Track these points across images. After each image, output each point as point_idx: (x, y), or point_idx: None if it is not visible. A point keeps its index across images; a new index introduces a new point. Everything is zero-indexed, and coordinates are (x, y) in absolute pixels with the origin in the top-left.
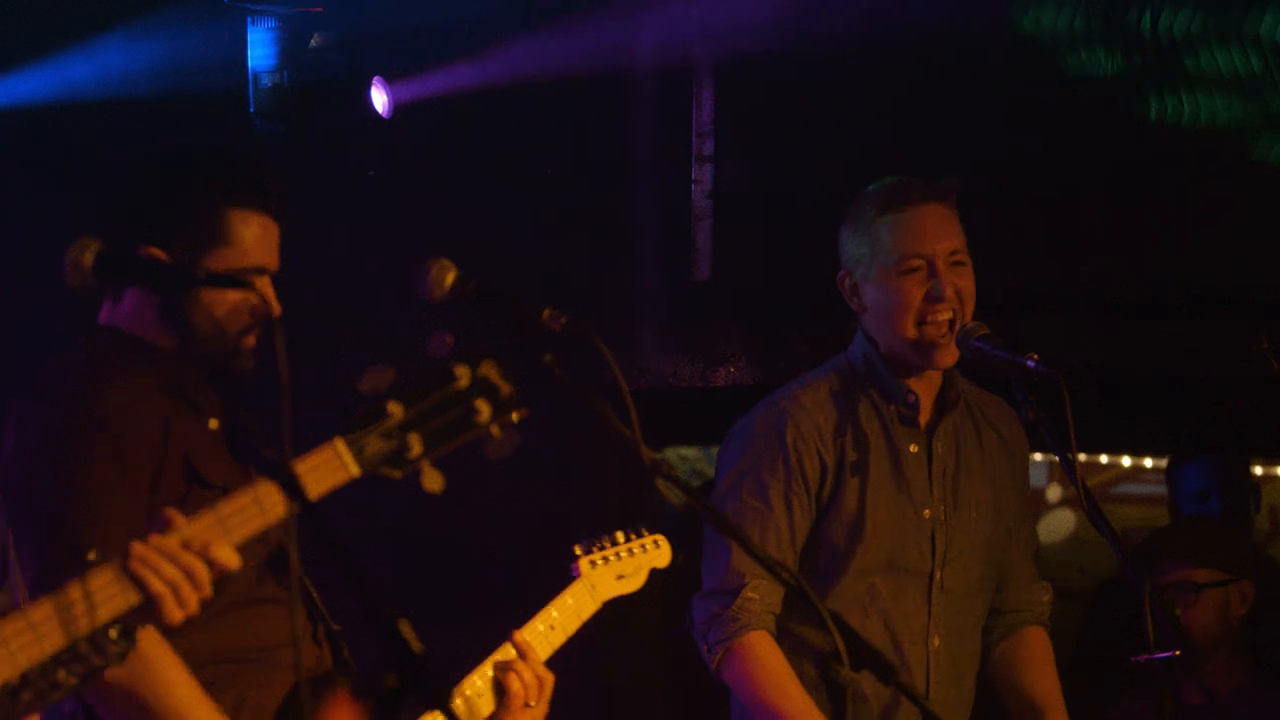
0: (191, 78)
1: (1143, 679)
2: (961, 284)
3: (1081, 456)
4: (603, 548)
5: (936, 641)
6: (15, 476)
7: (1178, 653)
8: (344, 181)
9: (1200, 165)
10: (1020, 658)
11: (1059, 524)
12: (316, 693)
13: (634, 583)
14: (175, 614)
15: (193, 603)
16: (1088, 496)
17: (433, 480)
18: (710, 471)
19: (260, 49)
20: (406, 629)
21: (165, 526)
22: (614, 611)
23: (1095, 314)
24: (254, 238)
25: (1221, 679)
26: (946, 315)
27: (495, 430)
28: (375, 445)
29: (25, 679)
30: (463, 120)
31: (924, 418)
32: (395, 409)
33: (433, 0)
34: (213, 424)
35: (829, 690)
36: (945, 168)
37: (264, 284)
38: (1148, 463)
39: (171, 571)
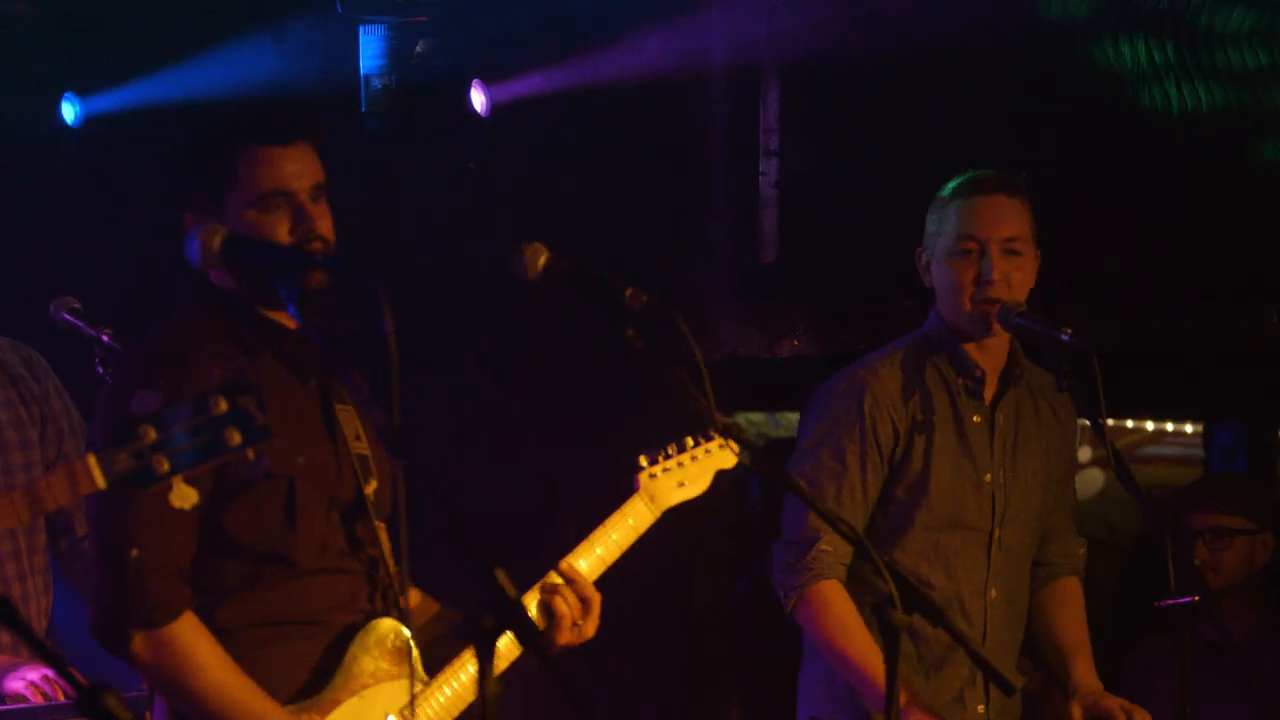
0: (310, 80)
1: (1166, 621)
2: (1012, 270)
3: (1110, 421)
4: (667, 456)
5: (994, 593)
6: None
7: (1196, 598)
8: (445, 173)
9: (1222, 159)
10: (1054, 605)
11: (1089, 482)
12: (360, 638)
13: (697, 487)
14: None
15: None
16: (1116, 457)
17: (180, 496)
18: (774, 434)
19: (371, 54)
20: (502, 576)
21: None
22: (691, 557)
23: (1125, 294)
24: (261, 170)
25: (1239, 620)
26: (995, 295)
27: (250, 455)
28: (124, 463)
29: None
30: (553, 118)
31: (989, 391)
32: (147, 431)
33: (527, 10)
34: (312, 385)
35: (884, 636)
36: (991, 160)
37: (295, 205)
38: (1169, 427)
39: None
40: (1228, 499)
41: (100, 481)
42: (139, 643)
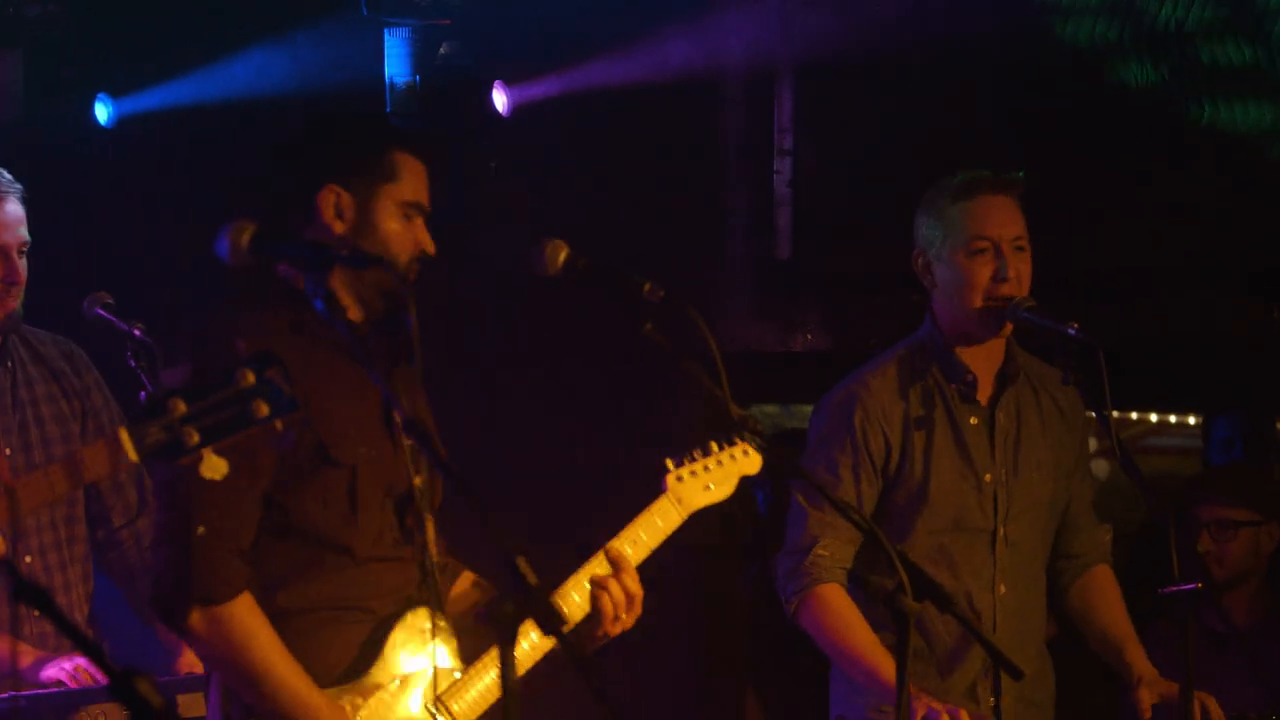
0: (336, 81)
1: (1170, 608)
2: (1021, 267)
3: (1115, 413)
4: (693, 459)
5: (1003, 589)
6: None
7: (1199, 585)
8: (469, 172)
9: (1227, 161)
10: (1093, 595)
11: (1095, 472)
12: (399, 628)
13: (723, 491)
14: None
15: None
16: (1121, 448)
17: (211, 468)
18: (788, 424)
19: (396, 56)
20: (524, 564)
21: None
22: (708, 548)
23: (1129, 288)
24: (417, 179)
25: (1244, 611)
26: (1009, 292)
27: (278, 425)
28: (155, 435)
29: None
30: (573, 118)
31: (985, 392)
32: (176, 404)
33: (548, 14)
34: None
35: (896, 622)
36: (995, 160)
37: (421, 224)
38: (1172, 419)
39: None
40: (1233, 491)
41: (132, 454)
42: (196, 618)
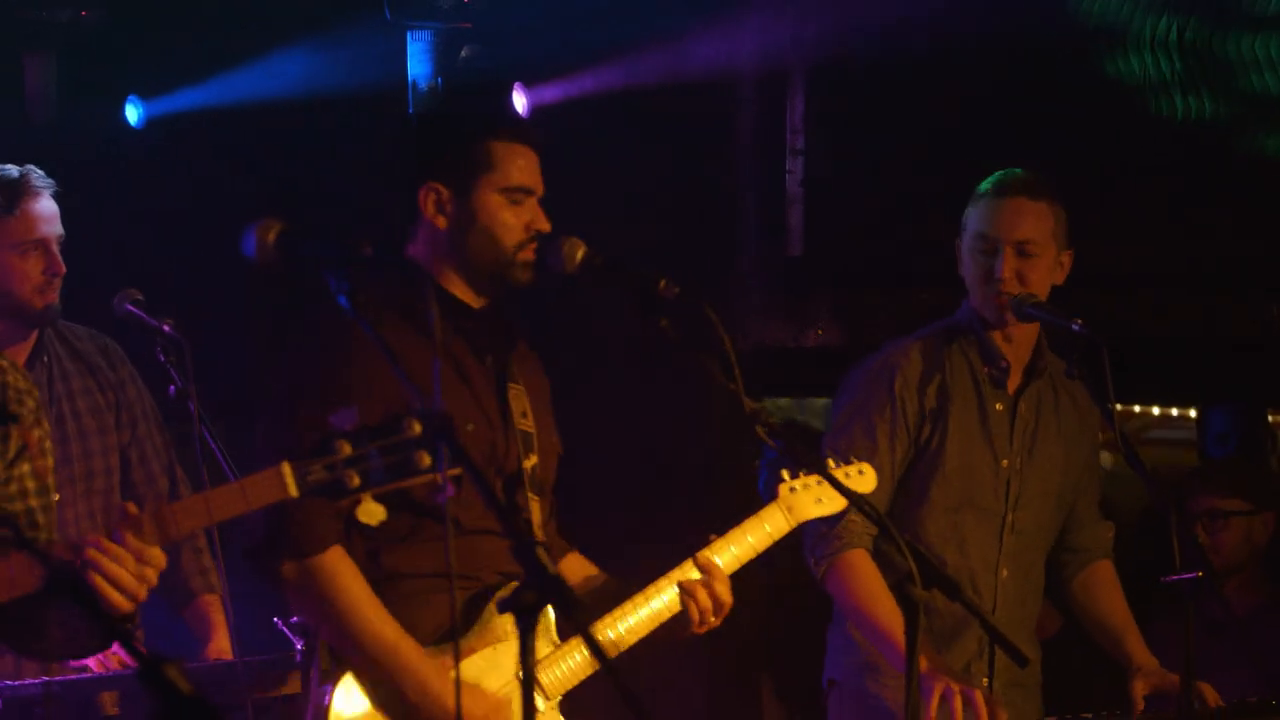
0: (362, 82)
1: (1171, 596)
2: (1027, 270)
3: (1117, 406)
4: (808, 473)
5: (1004, 573)
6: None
7: (1200, 574)
8: None
9: (1225, 161)
10: (1094, 588)
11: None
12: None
13: (833, 506)
14: (121, 604)
15: (139, 593)
16: (1124, 440)
17: (369, 514)
18: (800, 418)
19: (418, 59)
20: (542, 554)
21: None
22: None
23: (1133, 286)
24: (515, 165)
25: (1242, 597)
26: (1001, 290)
27: (438, 479)
28: (317, 474)
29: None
30: (591, 119)
31: (1013, 382)
32: (342, 446)
33: (566, 17)
34: (487, 360)
35: (904, 610)
36: (1000, 158)
37: (531, 204)
38: (1174, 412)
39: (112, 570)
40: (1223, 482)
41: (293, 490)
42: (289, 568)
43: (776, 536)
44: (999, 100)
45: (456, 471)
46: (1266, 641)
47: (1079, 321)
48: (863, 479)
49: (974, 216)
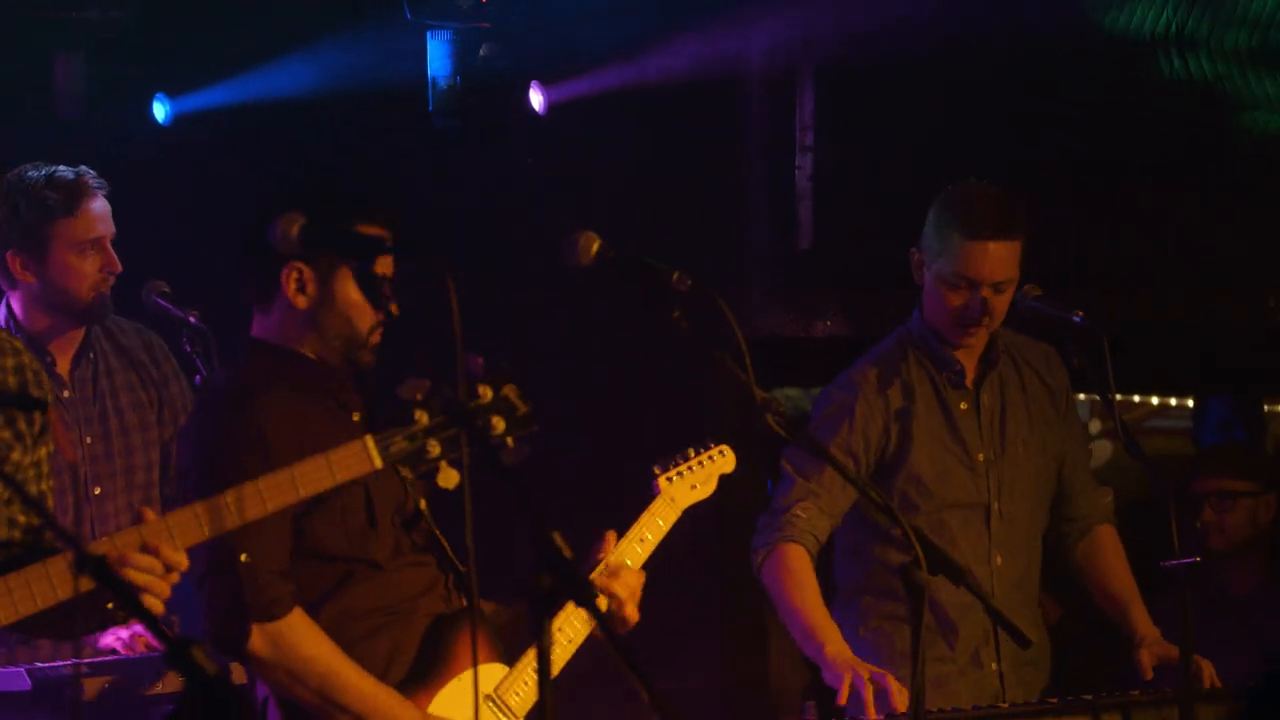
0: (382, 81)
1: (1170, 580)
2: (999, 304)
3: (1118, 396)
4: (676, 464)
5: (999, 560)
6: (186, 484)
7: (1198, 559)
8: (506, 167)
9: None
10: (1096, 555)
11: (1099, 453)
12: (455, 627)
13: (706, 489)
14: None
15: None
16: (1124, 430)
17: (447, 478)
18: (808, 408)
19: (437, 57)
20: (558, 538)
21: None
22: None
23: (1131, 278)
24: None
25: (1244, 578)
26: (975, 327)
27: (509, 442)
28: (399, 445)
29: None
30: (605, 116)
31: (970, 376)
32: (421, 417)
33: (581, 17)
34: (355, 417)
35: (910, 594)
36: (1005, 159)
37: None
38: (1172, 401)
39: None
40: (1232, 464)
41: (377, 460)
42: (257, 638)
43: (668, 525)
44: (1004, 97)
45: (531, 429)
46: (1267, 621)
47: (1079, 314)
48: (724, 459)
49: (950, 251)
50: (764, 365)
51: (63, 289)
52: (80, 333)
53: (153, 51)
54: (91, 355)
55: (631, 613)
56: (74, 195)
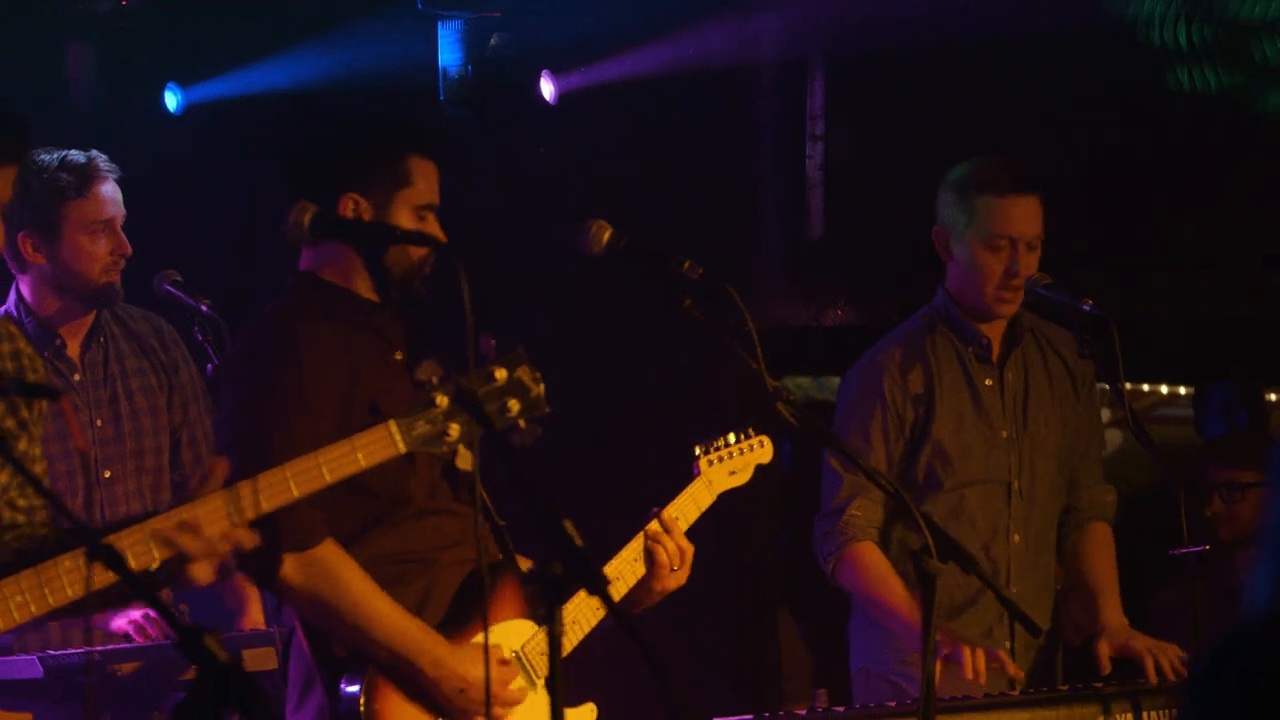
0: (394, 71)
1: (1180, 568)
2: (1031, 262)
3: (1127, 385)
4: (718, 448)
5: (1017, 539)
6: (226, 410)
7: (1207, 547)
8: (518, 156)
9: (1227, 142)
10: (1082, 548)
11: (1109, 441)
12: (491, 580)
13: (743, 477)
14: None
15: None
16: (1134, 419)
17: (465, 460)
18: (818, 396)
19: (449, 47)
20: (570, 526)
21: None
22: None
23: (1141, 266)
24: (427, 179)
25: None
26: (1019, 286)
27: (522, 424)
28: (421, 429)
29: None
30: (616, 106)
31: (995, 353)
32: (442, 400)
33: (592, 7)
34: (398, 355)
35: (921, 582)
36: (1015, 147)
37: (432, 219)
38: (1182, 390)
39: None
40: (1243, 454)
41: (401, 445)
42: (289, 566)
43: (703, 507)
44: (1016, 87)
45: (545, 412)
46: None
47: (1089, 301)
48: (762, 450)
49: (982, 212)
50: (774, 354)
51: (74, 271)
52: (90, 317)
53: (164, 41)
54: (102, 339)
55: (673, 581)
56: (85, 177)
